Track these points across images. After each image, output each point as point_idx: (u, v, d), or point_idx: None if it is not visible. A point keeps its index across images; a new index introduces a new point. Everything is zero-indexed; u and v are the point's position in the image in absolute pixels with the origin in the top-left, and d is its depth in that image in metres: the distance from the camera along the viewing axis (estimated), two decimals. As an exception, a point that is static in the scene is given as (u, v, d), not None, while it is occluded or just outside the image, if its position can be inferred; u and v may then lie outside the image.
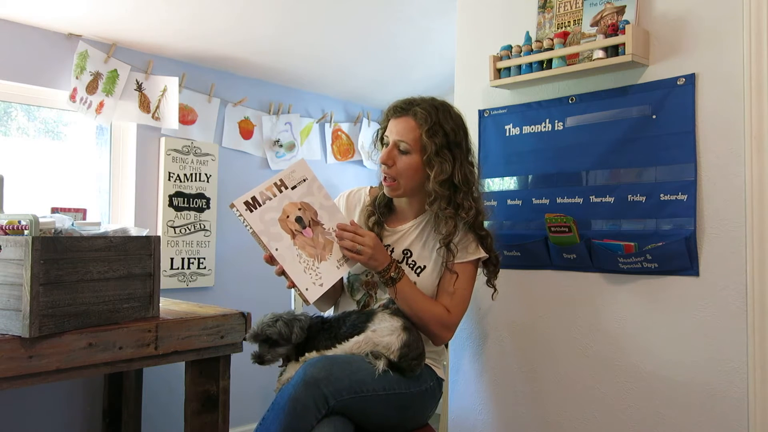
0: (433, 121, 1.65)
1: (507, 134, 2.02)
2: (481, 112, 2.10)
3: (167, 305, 2.12)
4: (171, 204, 2.76)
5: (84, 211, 2.10)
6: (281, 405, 1.43)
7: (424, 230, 1.76)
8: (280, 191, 1.60)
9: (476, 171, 1.75)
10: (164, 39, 2.64)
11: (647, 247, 1.66)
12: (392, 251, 1.75)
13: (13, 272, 1.54)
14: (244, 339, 1.96)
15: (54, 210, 2.02)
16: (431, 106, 1.69)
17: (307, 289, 1.56)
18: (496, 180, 2.05)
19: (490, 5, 2.11)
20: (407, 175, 1.69)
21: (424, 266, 1.73)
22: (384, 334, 1.56)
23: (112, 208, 2.72)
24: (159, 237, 1.87)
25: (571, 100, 1.88)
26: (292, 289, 2.08)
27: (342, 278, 1.76)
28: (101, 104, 2.55)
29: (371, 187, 1.89)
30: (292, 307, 2.15)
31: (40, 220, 1.60)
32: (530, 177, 1.96)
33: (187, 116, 2.83)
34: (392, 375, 1.54)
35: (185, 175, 2.80)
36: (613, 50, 1.69)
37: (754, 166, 1.54)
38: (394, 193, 1.73)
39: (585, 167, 1.84)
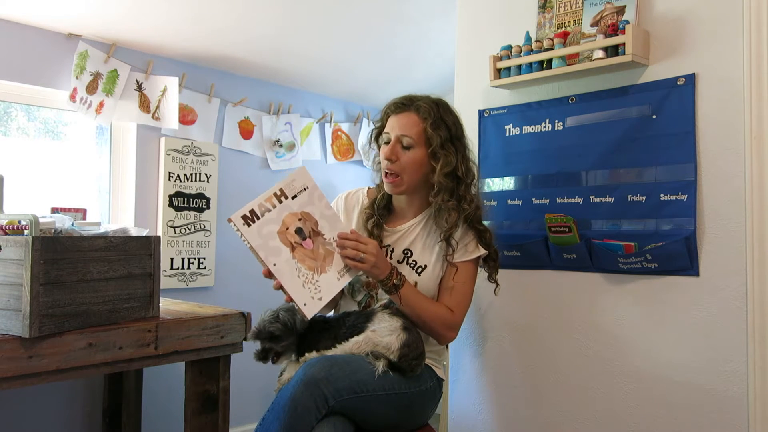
0: (436, 115, 1.69)
1: (507, 134, 2.02)
2: (481, 112, 2.10)
3: (167, 305, 2.11)
4: (171, 204, 2.76)
5: (84, 211, 2.10)
6: (281, 405, 1.43)
7: (424, 229, 1.76)
8: (280, 201, 1.56)
9: (474, 167, 1.78)
10: (164, 39, 2.64)
11: (647, 247, 1.66)
12: (392, 251, 1.75)
13: (13, 272, 1.54)
14: (245, 339, 1.97)
15: (54, 210, 2.02)
16: (431, 101, 1.73)
17: (305, 305, 1.52)
18: (496, 180, 2.05)
19: (490, 5, 2.11)
20: (411, 169, 1.70)
21: (425, 266, 1.73)
22: (384, 334, 1.56)
23: (112, 208, 2.71)
24: (159, 237, 1.87)
25: (571, 100, 1.88)
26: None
27: None
28: (101, 104, 2.55)
29: (369, 188, 1.89)
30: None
31: (40, 220, 1.59)
32: (530, 177, 1.96)
33: (187, 116, 2.83)
34: (392, 375, 1.55)
35: (185, 175, 2.80)
36: (613, 50, 1.69)
37: (754, 166, 1.54)
38: (396, 190, 1.73)
39: (585, 167, 1.84)
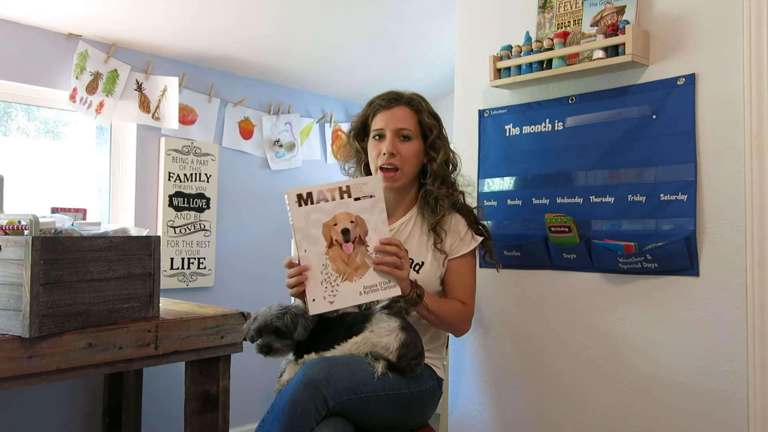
0: (426, 107, 1.77)
1: (507, 134, 2.02)
2: (481, 112, 2.10)
3: (167, 305, 2.12)
4: (171, 204, 2.76)
5: (84, 211, 2.11)
6: (281, 407, 1.43)
7: (416, 226, 1.77)
8: (341, 197, 1.51)
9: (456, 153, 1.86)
10: (164, 39, 2.64)
11: (647, 247, 1.66)
12: None
13: (13, 272, 1.54)
14: (244, 339, 1.97)
15: (54, 210, 2.02)
16: (416, 95, 1.80)
17: (314, 300, 1.51)
18: (496, 180, 2.05)
19: (490, 5, 2.11)
20: (411, 161, 1.74)
21: (422, 262, 1.73)
22: (382, 334, 1.56)
23: (112, 208, 2.72)
24: (159, 237, 1.87)
25: (571, 100, 1.88)
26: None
27: None
28: (101, 104, 2.55)
29: None
30: (292, 302, 2.14)
31: (40, 220, 1.60)
32: (530, 177, 1.96)
33: (187, 116, 2.83)
34: (392, 376, 1.54)
35: (185, 175, 2.80)
36: (613, 50, 1.69)
37: (754, 166, 1.54)
38: (396, 184, 1.74)
39: (585, 167, 1.84)
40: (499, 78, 1.92)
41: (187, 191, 2.81)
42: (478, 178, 2.09)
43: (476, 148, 2.10)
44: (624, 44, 1.66)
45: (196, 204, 2.84)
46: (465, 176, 1.90)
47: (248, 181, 3.11)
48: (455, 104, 2.19)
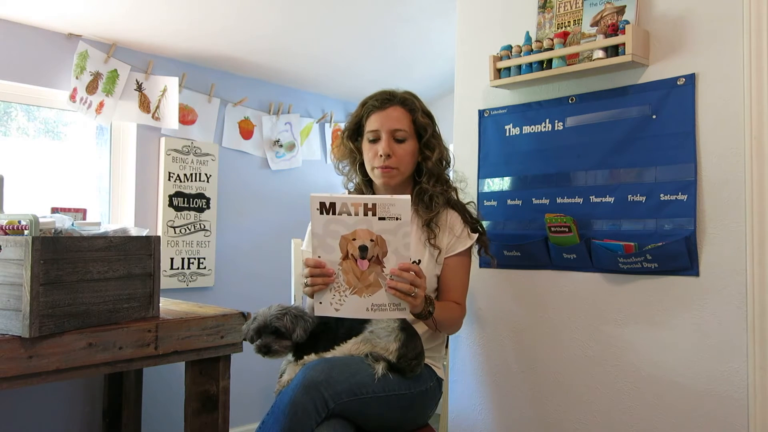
0: (419, 106, 1.77)
1: (507, 134, 2.02)
2: (481, 112, 2.10)
3: (167, 305, 2.12)
4: (171, 204, 2.76)
5: (84, 211, 2.11)
6: (281, 409, 1.42)
7: (411, 224, 1.76)
8: (365, 214, 1.45)
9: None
10: (164, 39, 2.64)
11: (647, 247, 1.66)
12: None
13: (13, 272, 1.54)
14: (244, 339, 1.97)
15: (54, 210, 2.02)
16: (408, 94, 1.80)
17: (320, 303, 1.50)
18: (496, 180, 2.05)
19: (490, 5, 2.11)
20: (407, 161, 1.75)
21: (419, 261, 1.73)
22: (382, 335, 1.56)
23: (112, 208, 2.72)
24: (159, 237, 1.87)
25: (571, 100, 1.88)
26: (292, 289, 2.09)
27: None
28: (101, 104, 2.55)
29: (349, 192, 1.90)
30: (292, 303, 2.14)
31: (40, 220, 1.60)
32: (530, 177, 1.96)
33: (187, 116, 2.83)
34: (392, 376, 1.54)
35: (185, 175, 2.80)
36: (613, 50, 1.69)
37: (754, 166, 1.54)
38: (393, 181, 1.75)
39: (585, 167, 1.84)
40: (499, 78, 1.92)
41: (187, 191, 2.81)
42: (478, 178, 2.09)
43: (476, 148, 2.10)
44: (624, 44, 1.66)
45: (196, 204, 2.84)
46: (458, 172, 1.91)
47: (248, 181, 3.11)
48: (455, 104, 2.19)
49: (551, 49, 1.80)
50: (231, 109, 3.01)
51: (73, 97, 2.48)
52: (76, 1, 2.30)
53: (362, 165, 1.82)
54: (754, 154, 1.54)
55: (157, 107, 2.70)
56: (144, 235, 1.83)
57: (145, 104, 2.68)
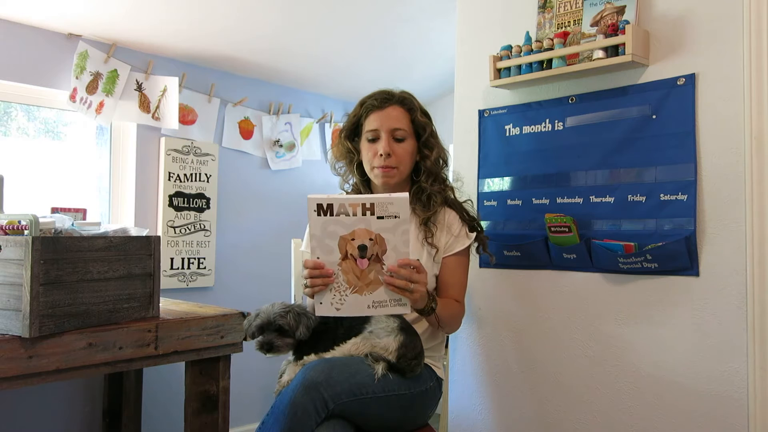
0: (417, 105, 1.78)
1: (507, 134, 2.02)
2: (481, 112, 2.10)
3: (167, 305, 2.11)
4: (171, 204, 2.76)
5: (84, 211, 2.10)
6: (281, 409, 1.42)
7: (410, 223, 1.77)
8: (364, 214, 1.45)
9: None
10: (164, 39, 2.64)
11: (647, 247, 1.66)
12: None
13: (13, 272, 1.54)
14: (245, 338, 1.97)
15: (54, 210, 2.02)
16: (406, 93, 1.80)
17: (320, 303, 1.50)
18: (496, 180, 2.05)
19: (490, 5, 2.11)
20: (406, 160, 1.75)
21: (417, 260, 1.73)
22: (381, 335, 1.56)
23: (112, 208, 2.72)
24: (159, 237, 1.87)
25: (571, 100, 1.88)
26: (292, 288, 2.09)
27: None
28: (101, 104, 2.55)
29: (346, 193, 1.90)
30: (292, 302, 2.15)
31: (40, 220, 1.59)
32: (530, 177, 1.96)
33: (187, 116, 2.83)
34: (392, 376, 1.54)
35: (185, 175, 2.80)
36: (613, 50, 1.69)
37: (754, 166, 1.54)
38: (392, 180, 1.75)
39: (585, 167, 1.84)
40: (499, 78, 1.92)
41: (187, 191, 2.81)
42: (478, 178, 2.09)
43: (476, 148, 2.10)
44: (624, 44, 1.66)
45: (196, 204, 2.84)
46: (455, 171, 1.91)
47: (248, 181, 3.11)
48: (455, 104, 2.19)
49: (551, 49, 1.80)
50: (231, 109, 3.01)
51: (73, 97, 2.48)
52: (76, 1, 2.30)
53: (360, 165, 1.82)
54: (754, 154, 1.54)
55: (157, 107, 2.70)
56: (144, 235, 1.83)
57: (145, 104, 2.68)
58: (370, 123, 1.75)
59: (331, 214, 1.45)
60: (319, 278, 1.48)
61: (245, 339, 1.96)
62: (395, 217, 1.46)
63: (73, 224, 1.73)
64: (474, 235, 1.79)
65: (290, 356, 1.67)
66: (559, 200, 1.89)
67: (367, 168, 1.78)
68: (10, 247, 1.55)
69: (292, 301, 2.16)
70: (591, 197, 1.82)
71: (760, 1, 1.54)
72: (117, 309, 1.74)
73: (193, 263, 2.83)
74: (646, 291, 1.73)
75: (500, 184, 2.04)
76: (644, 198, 1.71)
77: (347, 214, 1.45)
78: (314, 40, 2.84)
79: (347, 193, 1.89)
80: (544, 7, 1.91)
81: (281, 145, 3.21)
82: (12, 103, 2.51)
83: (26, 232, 1.58)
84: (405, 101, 1.77)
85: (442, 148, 1.81)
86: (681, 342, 1.66)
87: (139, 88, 2.67)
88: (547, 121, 1.93)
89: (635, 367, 1.75)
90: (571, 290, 1.88)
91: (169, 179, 2.75)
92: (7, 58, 2.35)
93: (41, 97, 2.51)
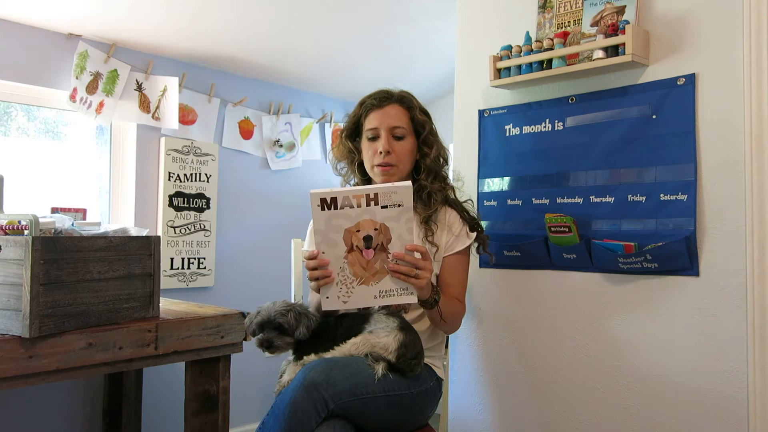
0: (416, 104, 1.78)
1: (507, 134, 2.02)
2: (481, 112, 2.10)
3: (167, 305, 2.12)
4: (171, 204, 2.76)
5: (84, 211, 2.11)
6: (281, 409, 1.42)
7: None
8: (368, 204, 1.46)
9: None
10: (164, 39, 2.64)
11: (647, 247, 1.66)
12: None
13: (13, 272, 1.54)
14: (245, 339, 1.97)
15: (54, 210, 2.02)
16: (405, 92, 1.81)
17: (327, 297, 1.50)
18: (496, 180, 2.05)
19: (490, 5, 2.11)
20: (406, 159, 1.76)
21: (424, 246, 1.73)
22: (381, 335, 1.56)
23: (112, 208, 2.72)
24: (159, 237, 1.87)
25: (571, 100, 1.88)
26: (292, 288, 2.09)
27: None
28: (101, 104, 2.55)
29: None
30: (293, 301, 2.15)
31: (40, 220, 1.59)
32: (530, 177, 1.96)
33: (187, 116, 2.83)
34: (392, 377, 1.54)
35: (185, 175, 2.80)
36: (613, 50, 1.69)
37: (754, 166, 1.54)
38: (392, 179, 1.75)
39: (585, 167, 1.84)
40: (499, 78, 1.92)
41: (187, 191, 2.81)
42: (478, 178, 2.09)
43: (476, 148, 2.10)
44: (624, 44, 1.66)
45: (196, 204, 2.84)
46: (455, 171, 1.91)
47: (248, 181, 3.11)
48: (455, 104, 2.19)
49: (551, 49, 1.80)
50: (231, 109, 3.01)
51: (73, 97, 2.48)
52: (76, 1, 2.30)
53: (361, 165, 1.83)
54: (754, 154, 1.54)
55: (157, 107, 2.70)
56: (144, 235, 1.83)
57: (145, 104, 2.68)
58: (370, 122, 1.76)
59: (335, 208, 1.45)
60: (318, 270, 1.48)
61: (246, 338, 1.97)
62: (399, 205, 1.47)
63: (73, 224, 1.73)
64: (474, 234, 1.79)
65: (290, 356, 1.67)
66: (559, 200, 1.89)
67: (367, 167, 1.78)
68: (10, 247, 1.55)
69: (292, 298, 2.16)
70: (591, 197, 1.82)
71: (760, 1, 1.54)
72: (117, 309, 1.74)
73: (193, 263, 2.83)
74: (646, 291, 1.73)
75: (500, 184, 2.04)
76: (644, 198, 1.71)
77: (351, 206, 1.45)
78: (314, 40, 2.84)
79: None
80: (544, 7, 1.91)
81: (281, 145, 3.21)
82: (12, 103, 2.51)
83: (26, 232, 1.59)
84: (404, 100, 1.78)
85: (442, 146, 1.81)
86: (681, 342, 1.66)
87: (139, 88, 2.67)
88: (547, 121, 1.93)
89: (635, 367, 1.75)
90: (571, 290, 1.88)
91: (169, 179, 2.75)
92: (7, 58, 2.35)
93: (41, 97, 2.51)
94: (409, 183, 1.47)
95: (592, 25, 1.79)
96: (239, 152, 3.06)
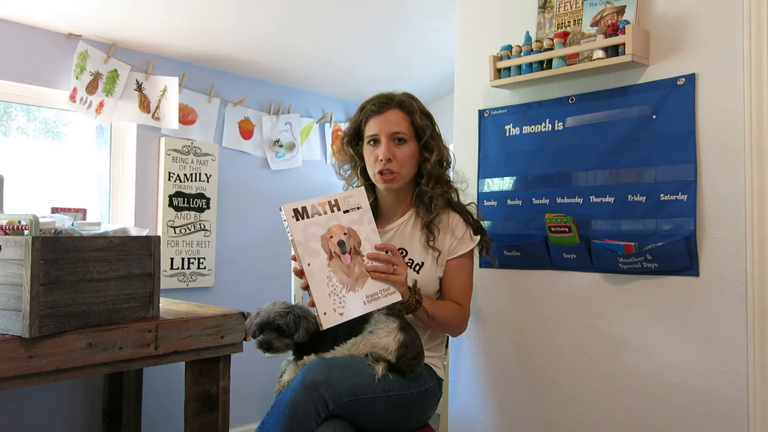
0: (417, 108, 1.76)
1: (507, 134, 2.02)
2: (481, 112, 2.10)
3: (167, 305, 2.12)
4: (171, 204, 2.76)
5: (84, 211, 2.11)
6: (281, 409, 1.42)
7: (415, 226, 1.77)
8: (332, 211, 1.56)
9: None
10: (164, 39, 2.64)
11: (647, 247, 1.66)
12: None
13: (13, 272, 1.54)
14: (245, 339, 1.97)
15: (54, 210, 2.02)
16: (406, 96, 1.79)
17: (325, 314, 1.50)
18: (496, 180, 2.05)
19: (490, 5, 2.11)
20: (408, 164, 1.74)
21: (422, 263, 1.73)
22: (381, 335, 1.56)
23: (112, 208, 2.72)
24: (159, 237, 1.87)
25: (571, 100, 1.88)
26: (293, 288, 2.09)
27: None
28: (101, 104, 2.55)
29: None
30: (293, 303, 2.15)
31: (40, 220, 1.59)
32: (530, 177, 1.96)
33: (187, 116, 2.83)
34: (392, 376, 1.54)
35: (185, 175, 2.80)
36: (613, 50, 1.69)
37: (754, 166, 1.54)
38: (394, 185, 1.74)
39: (585, 167, 1.84)
40: (499, 78, 1.92)
41: (187, 191, 2.81)
42: (478, 178, 2.09)
43: (476, 148, 2.10)
44: (624, 44, 1.66)
45: (196, 204, 2.84)
46: (458, 173, 1.90)
47: (248, 181, 3.11)
48: (455, 104, 2.19)
49: (551, 49, 1.80)
50: (231, 109, 3.01)
51: (73, 97, 2.48)
52: (76, 1, 2.30)
53: (364, 169, 1.82)
54: (754, 154, 1.54)
55: (157, 107, 2.70)
56: (144, 235, 1.83)
57: (145, 104, 2.68)
58: (370, 128, 1.75)
59: (308, 216, 1.52)
60: (303, 280, 1.51)
61: (246, 338, 1.97)
62: (358, 208, 1.60)
63: (73, 224, 1.73)
64: (478, 238, 1.78)
65: (290, 356, 1.67)
66: (559, 200, 1.89)
67: (370, 173, 1.77)
68: (10, 247, 1.55)
69: (293, 302, 2.16)
70: (591, 197, 1.82)
71: (760, 1, 1.54)
72: (117, 309, 1.74)
73: (193, 263, 2.83)
74: (646, 291, 1.73)
75: (500, 184, 2.04)
76: (644, 198, 1.71)
77: (320, 214, 1.54)
78: (314, 40, 2.84)
79: None
80: (544, 7, 1.91)
81: (281, 145, 3.21)
82: (12, 103, 2.51)
83: (26, 232, 1.59)
84: (404, 104, 1.75)
85: (444, 149, 1.79)
86: (681, 342, 1.66)
87: (139, 88, 2.67)
88: (547, 121, 1.93)
89: (635, 367, 1.75)
90: (571, 290, 1.88)
91: (169, 179, 2.75)
92: (7, 58, 2.35)
93: (41, 97, 2.51)
94: (361, 187, 1.63)
95: (592, 25, 1.79)
96: (239, 152, 3.06)
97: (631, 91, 1.76)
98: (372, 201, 1.82)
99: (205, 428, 1.95)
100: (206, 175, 2.87)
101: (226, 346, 1.95)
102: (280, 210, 1.50)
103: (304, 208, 1.52)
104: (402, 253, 1.75)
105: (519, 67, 1.87)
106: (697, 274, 1.63)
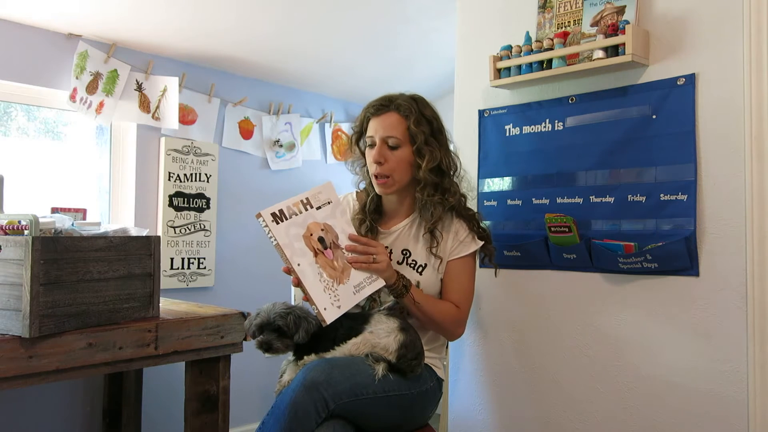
0: (416, 111, 1.71)
1: (507, 134, 2.02)
2: (481, 112, 2.10)
3: (167, 305, 2.12)
4: (171, 204, 2.76)
5: (84, 211, 2.11)
6: (281, 409, 1.42)
7: (419, 228, 1.76)
8: (306, 209, 1.58)
9: (456, 158, 1.81)
10: (164, 39, 2.64)
11: (647, 247, 1.66)
12: (391, 253, 1.75)
13: (13, 272, 1.54)
14: (245, 339, 1.97)
15: (54, 210, 2.02)
16: (409, 98, 1.75)
17: (325, 309, 1.51)
18: (496, 180, 2.05)
19: (490, 5, 2.11)
20: (400, 168, 1.71)
21: (425, 264, 1.73)
22: (381, 335, 1.56)
23: (112, 208, 2.72)
24: (159, 237, 1.87)
25: (571, 100, 1.88)
26: (293, 288, 2.09)
27: None
28: (101, 104, 2.55)
29: (357, 192, 1.89)
30: (293, 303, 2.14)
31: (40, 220, 1.60)
32: (530, 177, 1.96)
33: (187, 116, 2.83)
34: (392, 377, 1.54)
35: (185, 175, 2.80)
36: (613, 50, 1.69)
37: (754, 166, 1.54)
38: (388, 190, 1.73)
39: (585, 167, 1.84)
40: (499, 78, 1.92)
41: (187, 191, 2.81)
42: (478, 178, 2.09)
43: (476, 148, 2.10)
44: (624, 44, 1.66)
45: (196, 204, 2.84)
46: (464, 176, 1.88)
47: (248, 181, 3.11)
48: (455, 104, 2.19)
49: (551, 49, 1.80)
50: (231, 109, 3.01)
51: (73, 97, 2.48)
52: (76, 1, 2.30)
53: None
54: (754, 154, 1.54)
55: (157, 107, 2.70)
56: (144, 235, 1.83)
57: (145, 104, 2.68)
58: (369, 129, 1.74)
59: (286, 218, 1.54)
60: (293, 277, 1.53)
61: (246, 338, 1.97)
62: (328, 203, 1.63)
63: (73, 224, 1.73)
64: (482, 242, 1.77)
65: (290, 356, 1.67)
66: (559, 200, 1.89)
67: (369, 173, 1.77)
68: (10, 247, 1.55)
69: (293, 302, 2.16)
70: (591, 197, 1.82)
71: (760, 1, 1.54)
72: (117, 309, 1.74)
73: (193, 263, 2.83)
74: (646, 291, 1.73)
75: (500, 184, 2.04)
76: (644, 198, 1.71)
77: (296, 213, 1.56)
78: (314, 40, 2.84)
79: (358, 193, 1.90)
80: (544, 7, 1.91)
81: (281, 145, 3.21)
82: (12, 103, 2.51)
83: (26, 232, 1.59)
84: (402, 108, 1.70)
85: (445, 154, 1.73)
86: (681, 342, 1.66)
87: (139, 88, 2.67)
88: (547, 121, 1.93)
89: (635, 367, 1.75)
90: (571, 290, 1.88)
91: (169, 179, 2.75)
92: (7, 58, 2.35)
93: (41, 97, 2.51)
94: (329, 181, 1.65)
95: (592, 25, 1.79)
96: (239, 152, 3.06)
97: (631, 91, 1.76)
98: (378, 201, 1.81)
99: (205, 428, 1.95)
100: (206, 175, 2.87)
101: (226, 346, 1.95)
102: (258, 217, 1.50)
103: (281, 211, 1.54)
104: (406, 254, 1.75)
105: (519, 67, 1.87)
106: (697, 274, 1.63)
